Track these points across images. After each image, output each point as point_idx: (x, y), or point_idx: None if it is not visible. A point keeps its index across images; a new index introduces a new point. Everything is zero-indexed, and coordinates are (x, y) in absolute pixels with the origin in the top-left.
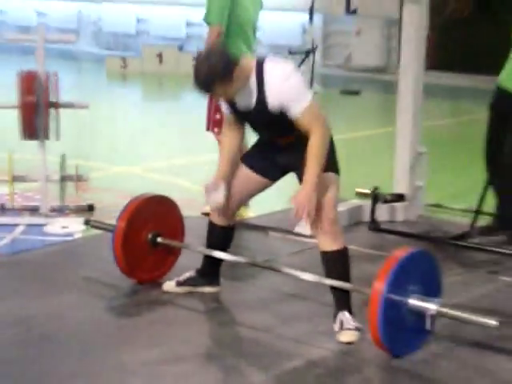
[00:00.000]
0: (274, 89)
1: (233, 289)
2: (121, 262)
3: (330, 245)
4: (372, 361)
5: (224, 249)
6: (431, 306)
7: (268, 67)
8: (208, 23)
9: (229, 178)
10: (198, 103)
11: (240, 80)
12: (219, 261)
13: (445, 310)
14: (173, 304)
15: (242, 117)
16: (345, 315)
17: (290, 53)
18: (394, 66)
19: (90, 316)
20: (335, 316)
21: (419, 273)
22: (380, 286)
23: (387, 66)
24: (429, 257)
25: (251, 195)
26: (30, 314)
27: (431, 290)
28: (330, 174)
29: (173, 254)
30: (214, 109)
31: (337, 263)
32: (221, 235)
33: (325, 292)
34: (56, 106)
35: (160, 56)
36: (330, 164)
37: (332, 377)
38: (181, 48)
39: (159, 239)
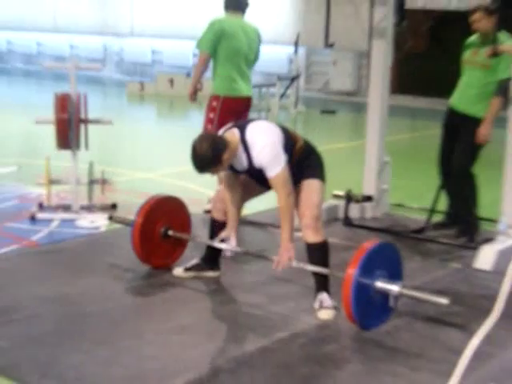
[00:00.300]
0: (256, 158)
1: (231, 273)
2: (138, 250)
3: (313, 237)
4: (346, 332)
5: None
6: (394, 288)
7: (249, 140)
8: (198, 49)
9: (235, 228)
10: (201, 120)
11: (229, 158)
12: (219, 250)
13: (405, 290)
14: (181, 286)
15: (241, 173)
16: (323, 295)
17: (279, 79)
18: (364, 90)
19: (113, 295)
20: (316, 296)
21: (384, 260)
22: (352, 271)
23: (358, 90)
24: (392, 247)
25: (250, 198)
26: (64, 293)
27: (394, 275)
28: (317, 181)
29: (181, 244)
30: (206, 121)
31: (318, 253)
32: (221, 229)
33: (307, 276)
34: (85, 121)
35: (171, 81)
36: (319, 173)
37: (313, 345)
38: (188, 74)
39: (170, 232)
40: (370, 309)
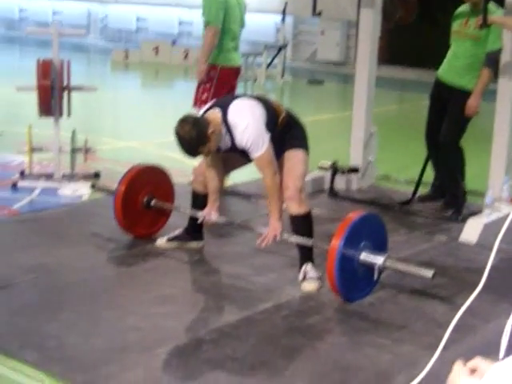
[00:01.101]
0: (238, 137)
1: (214, 244)
2: (120, 220)
3: (297, 209)
4: (329, 304)
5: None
6: (379, 260)
7: (231, 120)
8: (208, 23)
9: (217, 204)
10: (187, 89)
11: (215, 136)
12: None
13: (390, 263)
14: (164, 256)
15: (226, 152)
16: (308, 266)
17: (266, 48)
18: (352, 60)
19: (94, 265)
20: (300, 267)
21: (369, 232)
22: (336, 243)
23: (346, 61)
24: (377, 219)
25: (233, 169)
26: (44, 262)
27: (379, 247)
28: (301, 152)
29: (164, 214)
30: (201, 90)
31: (302, 224)
32: (202, 201)
33: (290, 247)
34: (68, 88)
35: (156, 49)
36: (302, 143)
37: (296, 317)
38: (174, 42)
39: (153, 202)
40: (354, 281)
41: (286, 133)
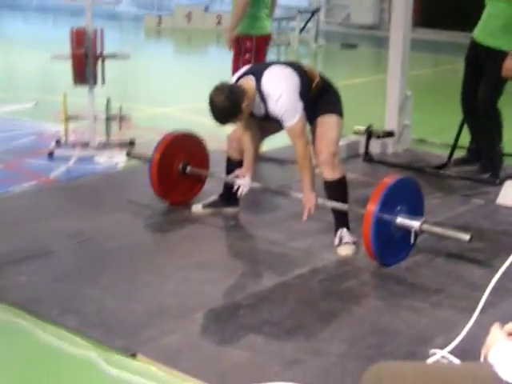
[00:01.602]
0: (272, 106)
1: (250, 210)
2: (156, 187)
3: (331, 174)
4: (366, 268)
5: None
6: (415, 224)
7: (265, 88)
8: None
9: (253, 169)
10: (220, 55)
11: (249, 106)
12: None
13: (426, 226)
14: (200, 222)
15: (260, 119)
16: (343, 231)
17: (299, 12)
18: (386, 23)
19: (131, 231)
20: (335, 232)
21: (405, 196)
22: (372, 207)
23: (380, 24)
24: (413, 182)
25: (267, 135)
26: (82, 228)
27: (415, 211)
28: (335, 116)
29: (200, 181)
30: (242, 62)
31: (337, 189)
32: (236, 167)
33: (326, 212)
34: (102, 56)
35: (189, 15)
36: (336, 108)
37: (333, 281)
38: (206, 8)
39: (188, 168)
40: (390, 245)
41: (319, 98)
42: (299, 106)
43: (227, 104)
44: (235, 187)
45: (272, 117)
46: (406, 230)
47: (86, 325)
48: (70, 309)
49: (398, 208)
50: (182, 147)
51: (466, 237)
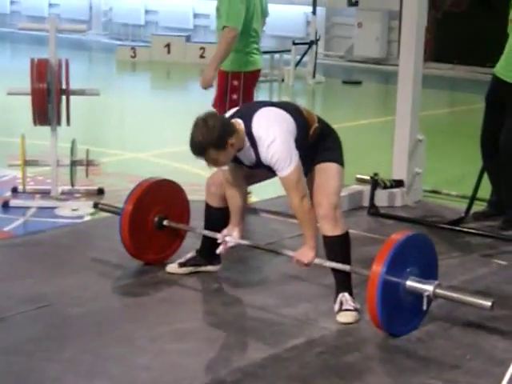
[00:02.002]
0: (263, 153)
1: (235, 270)
2: (128, 243)
3: (331, 230)
4: (370, 340)
5: (222, 229)
6: (428, 288)
7: (256, 132)
8: (229, 25)
9: (241, 226)
10: (203, 92)
11: (233, 148)
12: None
13: (441, 291)
14: (178, 284)
15: (250, 168)
16: (345, 296)
17: (294, 44)
18: (394, 57)
19: (99, 295)
20: (336, 297)
21: (416, 255)
22: (378, 268)
23: (388, 57)
24: (425, 240)
25: (256, 182)
26: (42, 292)
27: (428, 272)
28: (335, 165)
29: (179, 236)
30: (228, 104)
31: (338, 247)
32: (217, 217)
33: (325, 273)
34: (67, 92)
35: (168, 46)
36: (336, 156)
37: (332, 355)
38: (188, 39)
39: (165, 222)
40: (399, 312)
41: (317, 145)
42: (294, 153)
43: (215, 132)
44: (219, 241)
45: (264, 165)
46: (418, 295)
47: None
48: None
49: (409, 269)
50: (159, 197)
51: (487, 303)
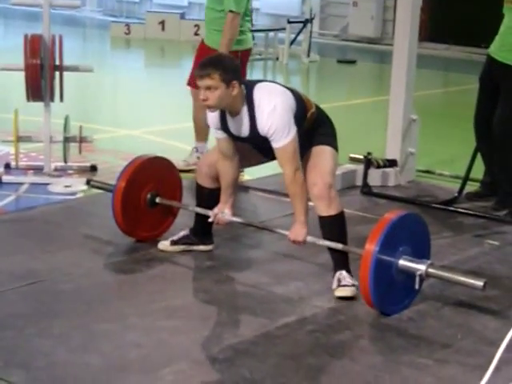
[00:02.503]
0: (262, 120)
1: (228, 248)
2: (120, 220)
3: (326, 209)
4: (362, 319)
5: (212, 208)
6: (420, 267)
7: (257, 98)
8: (234, 10)
9: (231, 202)
10: None
11: (230, 97)
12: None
13: (433, 270)
14: (170, 261)
15: (237, 140)
16: (342, 274)
17: (289, 22)
18: (389, 36)
19: (90, 271)
20: (333, 275)
21: (409, 235)
22: (371, 247)
23: (383, 37)
24: (418, 219)
25: (247, 166)
26: (33, 268)
27: (420, 252)
28: (330, 148)
29: (171, 213)
30: None
31: (333, 227)
32: (208, 197)
33: (317, 252)
34: (61, 68)
35: (162, 23)
36: (331, 141)
37: (323, 333)
38: (182, 16)
39: (158, 199)
40: (391, 291)
41: (313, 131)
42: (293, 126)
43: (231, 62)
44: (211, 219)
45: (259, 137)
46: (410, 274)
47: (33, 381)
48: (17, 361)
49: (401, 249)
50: (151, 174)
51: (479, 283)
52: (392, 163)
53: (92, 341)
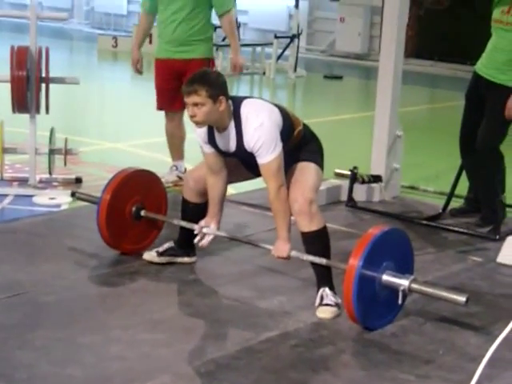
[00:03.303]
0: (249, 136)
1: (211, 262)
2: (105, 233)
3: (307, 225)
4: (345, 334)
5: (197, 222)
6: (403, 282)
7: (244, 114)
8: (229, 8)
9: (218, 217)
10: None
11: (218, 112)
12: (195, 233)
13: (416, 286)
14: (153, 274)
15: (225, 155)
16: (325, 291)
17: (276, 37)
18: (375, 52)
19: (74, 284)
20: (317, 291)
21: (392, 250)
22: (355, 262)
23: (369, 53)
24: (402, 235)
25: (234, 182)
26: (17, 280)
27: (404, 267)
28: (314, 165)
29: (156, 227)
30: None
31: (315, 242)
32: (192, 211)
33: (300, 267)
34: (47, 80)
35: (150, 36)
36: (316, 158)
37: (306, 347)
38: None
39: (143, 212)
40: (374, 306)
41: (299, 148)
42: (279, 143)
43: (217, 77)
44: (197, 234)
45: (244, 152)
46: (393, 290)
47: None
48: None
49: (385, 264)
50: (137, 187)
51: (462, 299)
52: (377, 179)
53: (75, 353)
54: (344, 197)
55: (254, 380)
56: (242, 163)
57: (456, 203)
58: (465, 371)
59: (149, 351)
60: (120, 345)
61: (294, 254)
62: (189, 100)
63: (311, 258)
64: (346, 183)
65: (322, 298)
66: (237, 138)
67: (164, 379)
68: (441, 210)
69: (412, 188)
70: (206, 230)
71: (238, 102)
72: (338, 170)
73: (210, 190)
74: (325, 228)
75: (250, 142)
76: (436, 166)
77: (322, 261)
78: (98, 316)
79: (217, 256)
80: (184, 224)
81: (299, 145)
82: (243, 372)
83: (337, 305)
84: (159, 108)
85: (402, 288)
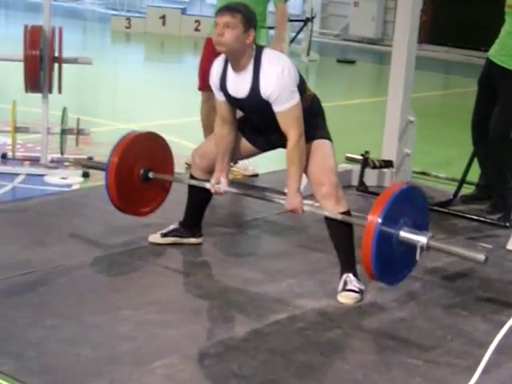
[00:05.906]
0: (268, 80)
1: (221, 244)
2: (114, 195)
3: (333, 208)
4: (354, 318)
5: (205, 204)
6: (421, 238)
7: (265, 58)
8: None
9: (227, 170)
10: (196, 65)
11: (244, 44)
12: (201, 213)
13: (434, 242)
14: (164, 256)
15: (235, 103)
16: (349, 277)
17: (290, 21)
18: (389, 37)
19: (83, 264)
20: (340, 277)
21: (410, 207)
22: (374, 218)
23: (383, 38)
24: (419, 193)
25: (239, 159)
26: (27, 259)
27: (421, 224)
28: (328, 142)
29: (164, 189)
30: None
31: (341, 224)
32: (202, 190)
33: (310, 250)
34: (59, 60)
35: (163, 18)
36: (327, 134)
37: (314, 331)
38: (184, 11)
39: (151, 174)
40: (391, 262)
41: (309, 118)
42: (297, 93)
43: (254, 15)
44: (208, 187)
45: (258, 99)
46: (411, 246)
47: (23, 371)
48: (7, 352)
49: (402, 221)
50: (144, 150)
51: (481, 257)
52: (388, 164)
53: (84, 332)
54: (355, 181)
55: (262, 362)
56: (245, 113)
57: (467, 189)
58: (473, 357)
59: (158, 332)
60: (129, 325)
61: (306, 207)
62: (221, 19)
63: (326, 213)
64: (357, 168)
65: (345, 283)
66: (252, 81)
67: (172, 360)
68: (452, 196)
69: (423, 174)
70: (218, 187)
71: (260, 48)
72: (349, 155)
73: (219, 141)
74: (349, 211)
75: (268, 88)
76: (447, 152)
77: (338, 216)
78: (107, 296)
79: (226, 239)
80: (194, 183)
81: (307, 114)
82: (251, 354)
83: (360, 291)
84: (200, 88)
85: (420, 244)
